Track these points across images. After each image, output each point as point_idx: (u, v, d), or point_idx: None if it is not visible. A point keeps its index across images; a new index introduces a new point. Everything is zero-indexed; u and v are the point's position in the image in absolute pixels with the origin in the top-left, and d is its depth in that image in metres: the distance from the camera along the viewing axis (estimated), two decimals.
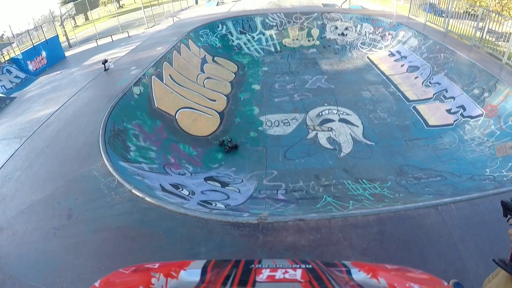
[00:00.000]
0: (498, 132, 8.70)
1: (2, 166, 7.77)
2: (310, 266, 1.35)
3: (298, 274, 1.28)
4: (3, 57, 28.63)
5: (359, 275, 1.31)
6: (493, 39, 13.01)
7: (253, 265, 1.37)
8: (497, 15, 12.78)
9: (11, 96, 15.16)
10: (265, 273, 1.28)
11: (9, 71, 20.56)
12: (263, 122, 11.00)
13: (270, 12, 20.24)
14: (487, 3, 24.20)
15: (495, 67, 10.99)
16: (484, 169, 7.75)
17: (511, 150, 7.97)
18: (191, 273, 1.36)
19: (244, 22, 19.16)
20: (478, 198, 5.40)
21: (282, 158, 9.14)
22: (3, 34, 50.32)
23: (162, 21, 29.25)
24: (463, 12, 14.78)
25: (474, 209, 5.18)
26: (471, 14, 14.05)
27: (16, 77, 20.32)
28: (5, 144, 9.24)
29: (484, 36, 13.02)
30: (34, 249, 5.12)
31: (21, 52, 22.72)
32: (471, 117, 9.73)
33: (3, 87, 19.01)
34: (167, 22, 27.19)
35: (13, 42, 28.30)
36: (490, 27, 12.83)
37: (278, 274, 1.28)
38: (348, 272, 1.34)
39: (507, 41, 11.36)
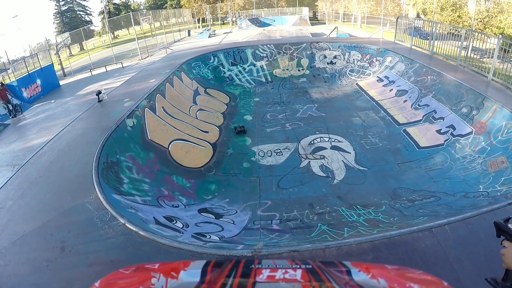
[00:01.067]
0: (489, 148, 8.78)
1: None
2: (310, 266, 1.35)
3: (298, 274, 1.28)
4: (4, 83, 28.86)
5: (359, 275, 1.31)
6: (478, 56, 13.28)
7: (253, 265, 1.36)
8: (480, 34, 13.10)
9: (5, 122, 15.18)
10: (265, 273, 1.28)
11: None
12: (256, 153, 11.03)
13: (261, 43, 20.73)
14: (469, 23, 24.85)
15: (482, 84, 11.23)
16: (478, 186, 7.78)
17: (503, 164, 8.02)
18: (191, 274, 1.35)
19: (236, 53, 19.58)
20: (472, 216, 5.39)
21: (276, 188, 9.12)
22: None
23: (155, 53, 29.70)
24: (447, 33, 15.14)
25: (468, 228, 5.17)
26: (455, 35, 14.39)
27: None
28: None
29: (469, 55, 13.29)
30: (26, 281, 5.00)
31: (16, 79, 22.75)
32: (461, 136, 9.83)
33: None
34: (160, 53, 27.61)
35: (9, 68, 28.53)
36: (474, 45, 13.13)
37: (278, 274, 1.28)
38: (348, 273, 1.33)
39: (491, 57, 11.60)
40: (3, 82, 17.06)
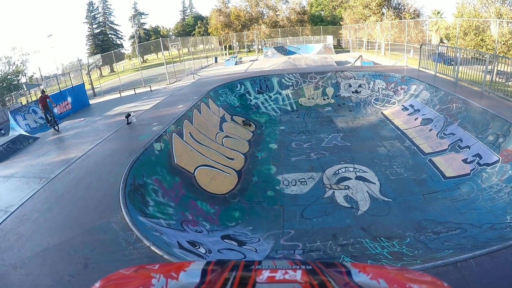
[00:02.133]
0: None
1: (21, 205, 7.89)
2: (310, 267, 1.39)
3: (298, 275, 1.32)
4: (31, 97, 29.90)
5: (359, 276, 1.34)
6: (503, 80, 13.13)
7: (253, 266, 1.41)
8: (504, 58, 13.01)
9: (35, 135, 15.72)
10: (265, 274, 1.32)
11: (34, 111, 21.50)
12: (280, 181, 11.08)
13: (286, 72, 21.00)
14: (493, 46, 24.58)
15: (507, 110, 11.03)
16: (505, 217, 7.55)
17: None
18: (191, 274, 1.39)
19: (262, 82, 19.91)
20: (497, 250, 5.26)
21: (299, 218, 9.10)
22: (32, 75, 52.77)
23: (183, 78, 30.28)
24: (471, 58, 15.06)
25: (494, 262, 5.05)
26: (479, 59, 14.31)
27: (41, 117, 21.03)
28: (24, 182, 9.56)
29: (494, 79, 13.18)
30: None
31: (48, 95, 23.61)
32: (488, 165, 9.62)
33: (27, 126, 19.77)
34: (188, 79, 28.15)
35: (41, 84, 29.54)
36: (499, 69, 13.03)
37: (278, 275, 1.32)
38: (348, 273, 1.36)
39: None
40: (44, 90, 17.37)
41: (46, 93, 16.23)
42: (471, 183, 9.50)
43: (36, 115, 21.57)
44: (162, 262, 1.35)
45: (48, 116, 15.81)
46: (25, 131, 18.59)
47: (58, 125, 15.84)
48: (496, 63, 13.14)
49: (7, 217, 7.48)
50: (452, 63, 16.48)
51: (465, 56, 15.72)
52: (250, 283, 1.28)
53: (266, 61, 39.77)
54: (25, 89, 37.74)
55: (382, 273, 1.39)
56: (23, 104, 24.73)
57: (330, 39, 50.01)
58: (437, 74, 17.35)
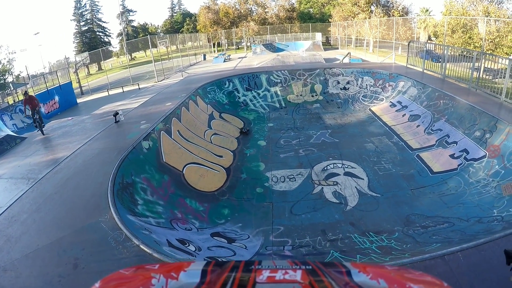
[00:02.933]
0: (503, 171, 8.67)
1: (10, 206, 7.80)
2: (310, 267, 1.38)
3: (298, 275, 1.31)
4: (17, 96, 29.55)
5: (359, 276, 1.33)
6: (490, 77, 13.27)
7: (253, 266, 1.40)
8: (491, 56, 13.16)
9: (22, 136, 15.49)
10: (265, 274, 1.31)
11: (22, 111, 21.03)
12: (269, 178, 11.09)
13: (275, 69, 21.04)
14: (480, 44, 24.85)
15: (494, 106, 11.21)
16: (492, 210, 7.67)
17: None
18: (191, 274, 1.38)
19: (250, 79, 19.88)
20: (485, 243, 5.33)
21: (288, 214, 9.13)
22: (19, 74, 52.21)
23: (171, 75, 30.15)
24: (459, 55, 15.21)
25: (481, 255, 5.12)
26: (467, 57, 14.45)
27: (28, 117, 20.83)
28: (12, 183, 9.39)
29: (481, 76, 13.35)
30: None
31: (35, 94, 23.25)
32: (475, 160, 9.75)
33: (14, 126, 19.48)
34: (176, 76, 28.04)
35: (28, 83, 29.22)
36: (486, 66, 13.19)
37: (278, 275, 1.31)
38: (348, 273, 1.36)
39: (504, 78, 11.60)
40: (27, 91, 16.84)
41: (27, 94, 15.37)
42: (459, 178, 9.62)
43: (23, 115, 21.24)
44: (162, 262, 1.34)
45: (36, 117, 14.74)
46: (12, 131, 18.30)
47: (43, 127, 15.07)
48: (483, 61, 13.28)
49: None
50: (440, 60, 16.62)
51: (452, 53, 15.86)
52: (250, 283, 1.27)
53: (254, 58, 39.81)
54: (12, 89, 37.31)
55: (382, 273, 1.39)
56: (10, 103, 24.40)
57: (318, 36, 50.16)
58: (425, 71, 17.51)
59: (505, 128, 9.58)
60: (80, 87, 32.76)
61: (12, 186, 9.17)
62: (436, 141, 11.65)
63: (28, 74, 30.07)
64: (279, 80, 19.69)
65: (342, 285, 1.26)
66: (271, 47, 46.53)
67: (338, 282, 1.28)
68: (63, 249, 5.98)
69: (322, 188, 10.23)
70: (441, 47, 17.20)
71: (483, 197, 8.38)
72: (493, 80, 13.14)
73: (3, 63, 51.82)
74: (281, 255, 7.35)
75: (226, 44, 60.63)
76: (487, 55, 13.58)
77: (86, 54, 39.73)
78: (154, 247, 5.95)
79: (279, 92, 19.29)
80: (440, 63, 16.51)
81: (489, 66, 13.11)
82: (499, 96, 11.98)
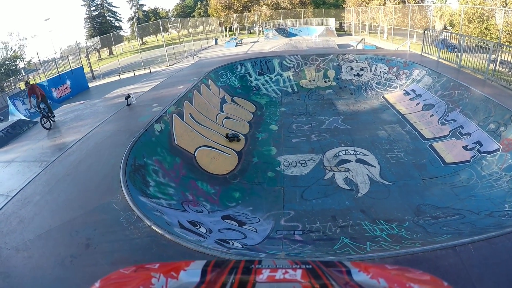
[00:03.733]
0: None
1: (23, 188, 7.91)
2: (310, 266, 1.38)
3: (298, 274, 1.31)
4: (29, 82, 29.82)
5: (359, 275, 1.33)
6: (507, 70, 13.06)
7: (253, 266, 1.40)
8: (508, 47, 12.92)
9: (34, 120, 15.65)
10: (265, 274, 1.31)
11: (34, 96, 21.28)
12: (281, 163, 11.11)
13: (287, 54, 20.85)
14: (497, 35, 24.38)
15: (510, 99, 11.00)
16: (503, 205, 7.59)
17: None
18: (191, 274, 1.38)
19: (263, 63, 19.79)
20: (496, 236, 5.29)
21: (299, 199, 9.15)
22: (30, 60, 52.61)
23: (182, 60, 30.06)
24: (475, 46, 14.96)
25: (492, 248, 5.08)
26: (483, 48, 14.22)
27: (35, 109, 20.92)
28: (25, 166, 9.58)
29: (497, 68, 13.14)
30: (49, 274, 5.10)
31: (47, 79, 23.55)
32: (488, 153, 9.64)
33: (27, 111, 19.64)
34: (188, 60, 27.96)
35: (40, 69, 29.43)
36: (502, 58, 12.95)
37: (278, 275, 1.31)
38: (348, 273, 1.35)
39: None
40: (28, 81, 16.45)
41: (28, 83, 14.26)
42: (471, 170, 9.53)
43: (35, 99, 21.30)
44: (161, 262, 1.33)
45: (42, 108, 13.60)
46: (24, 115, 18.49)
47: (53, 117, 14.30)
48: (500, 52, 13.03)
49: (9, 201, 7.48)
50: (455, 50, 16.37)
51: (468, 43, 15.59)
52: (250, 282, 1.28)
53: (267, 43, 39.47)
54: (24, 74, 37.60)
55: (382, 272, 1.39)
56: (22, 89, 24.60)
57: (332, 22, 49.50)
58: (440, 60, 17.24)
59: None
60: (92, 71, 32.83)
61: (25, 169, 9.32)
62: (449, 132, 11.54)
63: (39, 60, 30.23)
64: (291, 65, 19.58)
65: (342, 285, 1.26)
66: (284, 32, 46.10)
67: (338, 281, 1.28)
68: (75, 229, 6.06)
69: (334, 174, 10.23)
70: (457, 36, 16.92)
71: (495, 191, 8.29)
72: (510, 72, 12.93)
73: (15, 50, 52.15)
74: (291, 239, 7.37)
75: (238, 29, 59.98)
76: (504, 47, 13.32)
77: (97, 39, 39.54)
78: (166, 228, 5.99)
79: (291, 77, 19.19)
80: (455, 53, 16.26)
81: (505, 59, 12.86)
82: None
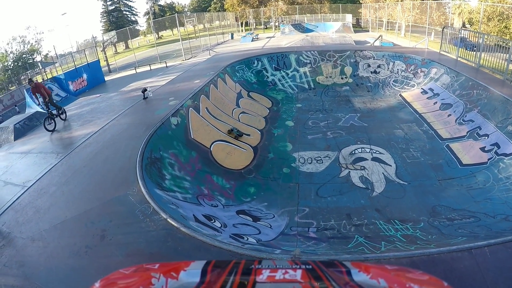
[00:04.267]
0: None
1: (39, 179, 8.04)
2: (310, 266, 1.40)
3: (298, 274, 1.33)
4: (46, 75, 30.27)
5: (359, 275, 1.34)
6: None
7: (253, 266, 1.41)
8: None
9: None
10: (265, 274, 1.33)
11: (50, 89, 21.55)
12: (296, 159, 11.13)
13: (304, 49, 20.76)
14: None
15: None
16: None
17: None
18: (191, 274, 1.40)
19: (279, 59, 19.74)
20: None
21: (314, 196, 9.17)
22: (47, 54, 53.27)
23: (198, 54, 30.09)
24: (494, 45, 14.75)
25: (508, 252, 5.05)
26: (503, 47, 14.01)
27: (57, 95, 21.42)
28: (42, 157, 9.70)
29: None
30: (65, 264, 5.16)
31: (64, 72, 23.92)
32: (506, 155, 9.50)
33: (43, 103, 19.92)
34: (204, 55, 27.98)
35: (56, 62, 29.79)
36: None
37: (278, 275, 1.32)
38: (348, 273, 1.36)
39: None
40: (31, 79, 15.64)
41: (32, 82, 12.83)
42: (488, 172, 9.40)
43: (52, 92, 21.53)
44: (161, 262, 1.36)
45: (50, 109, 12.64)
46: (41, 108, 18.70)
47: (65, 114, 13.63)
48: None
49: (25, 191, 7.61)
50: (475, 48, 16.14)
51: (488, 42, 15.35)
52: (250, 282, 1.29)
53: (283, 38, 39.25)
54: (41, 68, 37.98)
55: (382, 272, 1.40)
56: (39, 82, 24.93)
57: (349, 18, 48.99)
58: (459, 58, 17.00)
59: None
60: (108, 65, 33.09)
61: (41, 160, 9.43)
62: (467, 132, 11.40)
63: (56, 54, 30.55)
64: (308, 61, 19.49)
65: (342, 285, 1.27)
66: (300, 28, 45.72)
67: (338, 281, 1.29)
68: (91, 220, 6.15)
69: (349, 172, 10.22)
70: (476, 35, 16.68)
71: (511, 195, 8.20)
72: None
73: (32, 43, 52.90)
74: (305, 236, 7.39)
75: (254, 24, 59.82)
76: None
77: (113, 33, 39.88)
78: (181, 221, 6.03)
79: (308, 73, 19.13)
80: (474, 52, 16.04)
81: None
82: None
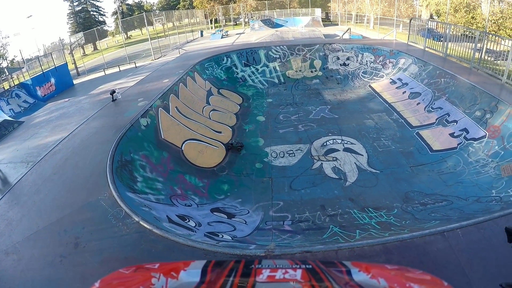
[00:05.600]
0: (502, 152, 8.68)
1: (9, 190, 7.82)
2: (310, 266, 1.38)
3: (298, 274, 1.31)
4: (13, 81, 29.46)
5: (359, 275, 1.33)
6: (492, 59, 13.15)
7: (253, 266, 1.40)
8: (494, 36, 13.00)
9: (19, 120, 15.45)
10: (265, 273, 1.31)
11: (18, 95, 21.08)
12: (268, 153, 11.09)
13: (273, 44, 20.78)
14: (483, 24, 24.55)
15: (495, 87, 11.12)
16: (490, 191, 7.71)
17: None
18: (191, 274, 1.38)
19: (249, 54, 19.67)
20: (484, 221, 5.35)
21: (288, 189, 9.15)
22: (13, 59, 51.78)
23: (168, 53, 29.78)
24: (461, 35, 15.03)
25: (480, 233, 5.14)
26: (469, 37, 14.28)
27: (25, 101, 20.83)
28: (12, 167, 9.37)
29: (483, 57, 13.22)
30: (40, 276, 5.09)
31: (31, 77, 23.26)
32: (475, 139, 9.74)
33: (11, 111, 19.41)
34: (173, 53, 27.72)
35: (23, 67, 29.03)
36: (488, 47, 13.02)
37: (278, 274, 1.31)
38: (348, 273, 1.36)
39: (506, 60, 11.49)
40: None
41: None
42: (458, 157, 9.62)
43: (20, 99, 21.10)
44: (161, 262, 1.30)
45: None
46: (9, 116, 18.15)
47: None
48: (485, 41, 13.09)
49: None
50: (442, 39, 16.44)
51: (454, 32, 15.65)
52: (250, 282, 1.28)
53: (253, 34, 39.23)
54: (7, 74, 36.91)
55: (382, 272, 1.39)
56: (6, 88, 24.19)
57: (318, 12, 49.41)
58: (426, 49, 17.31)
59: (506, 109, 9.54)
60: (76, 68, 32.35)
61: (11, 170, 9.14)
62: (436, 119, 11.61)
63: (22, 58, 29.70)
64: (278, 56, 19.49)
65: (342, 285, 1.26)
66: (270, 23, 45.82)
67: (338, 281, 1.28)
68: (64, 229, 6.05)
69: (322, 163, 10.23)
70: (443, 25, 16.98)
71: (481, 177, 8.40)
72: (495, 61, 13.01)
73: None
74: (280, 229, 7.36)
75: (224, 20, 59.61)
76: (490, 36, 13.38)
77: (80, 34, 39.03)
78: (154, 223, 5.98)
79: (278, 68, 19.11)
80: (441, 42, 16.33)
81: (491, 48, 12.92)
82: (500, 77, 11.83)
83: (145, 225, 5.81)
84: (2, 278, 5.16)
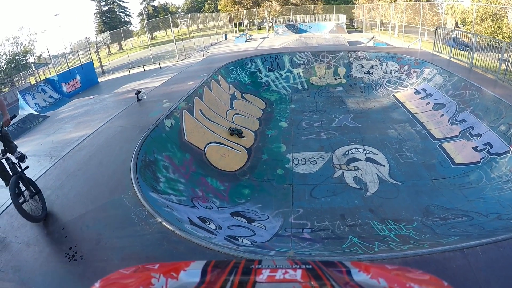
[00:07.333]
0: None
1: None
2: (310, 266, 1.40)
3: (298, 274, 1.32)
4: (39, 76, 30.15)
5: (359, 275, 1.34)
6: None
7: (253, 266, 1.41)
8: None
9: (44, 114, 15.86)
10: (265, 274, 1.32)
11: (44, 91, 21.79)
12: (290, 160, 11.14)
13: (298, 50, 20.80)
14: (510, 34, 24.08)
15: None
16: None
17: None
18: (191, 274, 1.39)
19: (273, 60, 19.73)
20: (504, 240, 5.28)
21: (308, 197, 9.17)
22: (40, 55, 53.07)
23: (192, 55, 29.99)
24: (487, 45, 14.85)
25: (500, 252, 5.08)
26: (495, 47, 14.11)
27: (50, 97, 21.52)
28: (35, 160, 9.54)
29: (509, 68, 13.03)
30: (60, 269, 5.13)
31: (57, 74, 23.89)
32: (498, 154, 9.58)
33: (37, 105, 19.96)
34: (198, 56, 27.90)
35: (50, 63, 29.68)
36: None
37: (278, 275, 1.32)
38: (348, 273, 1.36)
39: None
40: None
41: None
42: (480, 171, 9.46)
43: (45, 94, 21.75)
44: (161, 262, 1.35)
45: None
46: (34, 110, 18.65)
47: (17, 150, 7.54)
48: None
49: None
50: (467, 49, 16.25)
51: (480, 42, 15.46)
52: (250, 282, 1.29)
53: (277, 39, 39.32)
54: (34, 69, 37.81)
55: (382, 272, 1.40)
56: (32, 83, 24.82)
57: (342, 18, 49.20)
58: (451, 59, 17.11)
59: None
60: (101, 66, 32.95)
61: (35, 163, 9.27)
62: (459, 132, 11.48)
63: (49, 55, 30.40)
64: (302, 62, 19.52)
65: (342, 285, 1.27)
66: (294, 28, 45.80)
67: (338, 281, 1.29)
68: (86, 224, 6.09)
69: (343, 172, 10.25)
70: (469, 35, 16.80)
71: (504, 194, 8.24)
72: None
73: (25, 44, 52.58)
74: (300, 237, 7.40)
75: (248, 24, 59.82)
76: None
77: (106, 34, 39.76)
78: (176, 224, 6.00)
79: (301, 74, 19.15)
80: (467, 52, 16.14)
81: None
82: None
83: (168, 226, 5.82)
84: (23, 268, 5.23)
